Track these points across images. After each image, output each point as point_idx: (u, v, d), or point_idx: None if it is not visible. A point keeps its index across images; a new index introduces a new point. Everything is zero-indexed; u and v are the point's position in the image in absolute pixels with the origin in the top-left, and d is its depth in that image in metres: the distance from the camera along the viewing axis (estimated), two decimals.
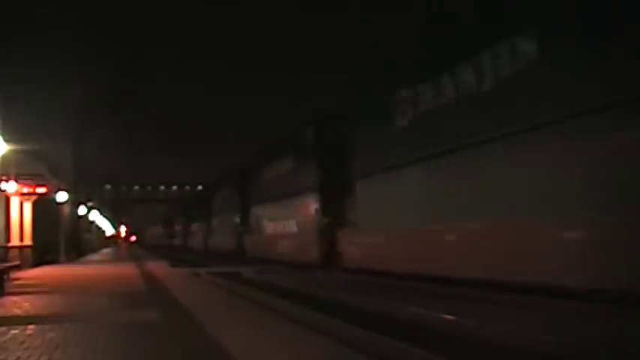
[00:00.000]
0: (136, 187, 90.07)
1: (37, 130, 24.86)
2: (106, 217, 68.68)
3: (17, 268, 18.36)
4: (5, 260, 18.68)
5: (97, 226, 55.76)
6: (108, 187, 78.38)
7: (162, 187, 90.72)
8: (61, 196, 28.67)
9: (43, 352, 6.02)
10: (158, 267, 23.83)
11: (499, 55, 9.03)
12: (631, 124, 6.74)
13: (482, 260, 9.16)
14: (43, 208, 25.46)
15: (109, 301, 10.80)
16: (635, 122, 6.69)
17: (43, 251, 25.73)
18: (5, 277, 14.16)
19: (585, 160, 7.37)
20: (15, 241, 22.01)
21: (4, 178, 20.51)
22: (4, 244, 20.78)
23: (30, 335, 7.14)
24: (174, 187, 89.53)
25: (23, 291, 13.14)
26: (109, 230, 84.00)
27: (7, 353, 6.04)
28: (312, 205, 17.43)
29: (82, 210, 38.17)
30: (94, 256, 39.04)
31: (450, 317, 8.72)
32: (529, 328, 7.42)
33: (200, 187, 72.92)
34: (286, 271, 20.11)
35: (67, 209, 31.51)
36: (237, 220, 28.75)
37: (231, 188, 31.37)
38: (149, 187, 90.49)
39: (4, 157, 18.98)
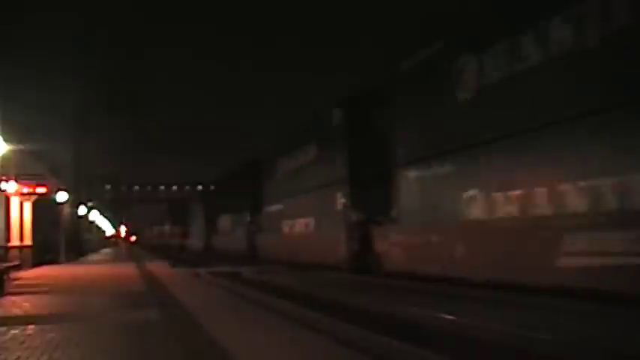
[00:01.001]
0: (136, 187, 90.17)
1: (37, 130, 24.89)
2: (106, 217, 68.68)
3: (17, 268, 18.36)
4: (5, 260, 18.67)
5: (97, 226, 55.75)
6: (108, 187, 78.41)
7: (162, 187, 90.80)
8: (61, 196, 28.65)
9: (43, 352, 6.01)
10: (158, 267, 23.82)
11: None
12: None
13: None
14: (43, 208, 25.46)
15: (109, 301, 10.80)
16: None
17: (43, 251, 25.73)
18: (5, 277, 14.16)
19: None
20: (15, 241, 22.00)
21: (4, 178, 20.50)
22: (4, 244, 20.77)
23: (30, 335, 7.14)
24: (175, 187, 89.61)
25: (23, 291, 13.13)
26: (109, 230, 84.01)
27: (7, 353, 6.04)
28: None
29: (82, 210, 38.15)
30: (94, 256, 39.05)
31: (449, 317, 8.70)
32: (529, 327, 7.41)
33: (200, 187, 72.96)
34: (285, 270, 20.09)
35: (67, 209, 31.50)
36: (342, 199, 16.04)
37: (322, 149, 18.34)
38: (149, 187, 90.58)
39: (4, 157, 18.98)
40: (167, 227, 75.65)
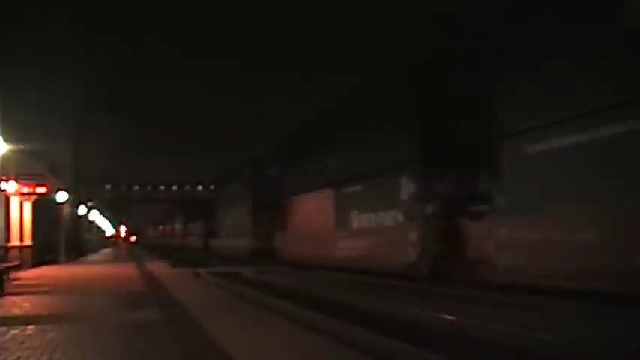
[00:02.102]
0: (136, 187, 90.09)
1: (37, 130, 24.88)
2: (106, 217, 68.65)
3: (17, 268, 18.36)
4: (5, 260, 18.67)
5: (97, 226, 55.74)
6: (108, 187, 78.40)
7: (162, 187, 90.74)
8: (61, 196, 28.65)
9: (43, 352, 6.01)
10: (158, 267, 23.81)
11: None
12: None
13: None
14: (43, 208, 25.46)
15: (109, 301, 10.80)
16: None
17: (43, 251, 25.73)
18: (5, 277, 14.15)
19: None
20: (15, 241, 22.00)
21: (4, 178, 20.50)
22: (4, 244, 20.77)
23: (30, 335, 7.14)
24: (175, 187, 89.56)
25: (23, 291, 13.12)
26: (109, 230, 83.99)
27: (7, 353, 6.04)
28: None
29: (82, 210, 38.16)
30: (94, 256, 39.04)
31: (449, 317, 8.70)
32: (529, 328, 7.41)
33: (200, 187, 72.85)
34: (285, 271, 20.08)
35: (67, 209, 31.50)
36: None
37: None
38: (149, 187, 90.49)
39: (4, 157, 18.97)
40: (178, 225, 66.93)
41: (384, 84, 15.38)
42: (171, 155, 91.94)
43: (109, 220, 76.75)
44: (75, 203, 35.43)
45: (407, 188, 13.78)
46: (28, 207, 23.71)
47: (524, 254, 9.60)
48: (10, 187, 21.31)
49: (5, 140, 18.18)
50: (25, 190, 23.39)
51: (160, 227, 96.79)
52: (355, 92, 17.39)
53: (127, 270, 21.34)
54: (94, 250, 48.46)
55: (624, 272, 7.86)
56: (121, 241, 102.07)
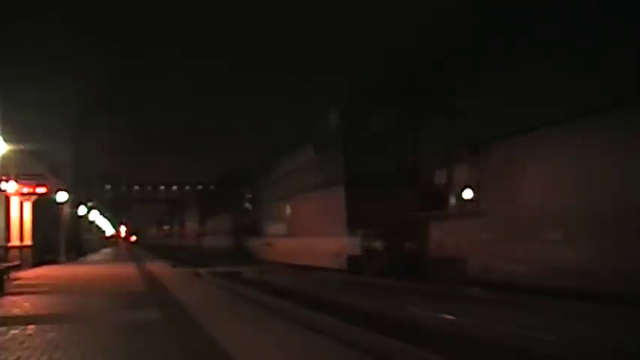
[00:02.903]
0: (136, 187, 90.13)
1: (37, 130, 24.87)
2: (106, 217, 68.65)
3: (17, 268, 18.36)
4: (5, 260, 18.66)
5: (97, 226, 55.73)
6: (108, 187, 78.41)
7: (162, 187, 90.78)
8: (61, 196, 28.65)
9: (43, 352, 6.00)
10: (158, 267, 23.81)
11: None
12: None
13: None
14: (43, 208, 25.46)
15: (109, 301, 10.79)
16: None
17: (43, 251, 25.73)
18: (5, 277, 14.15)
19: None
20: (15, 241, 21.99)
21: (4, 178, 20.49)
22: (4, 244, 20.76)
23: (30, 335, 7.13)
24: (175, 187, 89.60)
25: (23, 291, 13.12)
26: (109, 230, 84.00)
27: (7, 353, 6.03)
28: None
29: (82, 210, 38.16)
30: (94, 256, 39.04)
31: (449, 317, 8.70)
32: (530, 328, 7.41)
33: (200, 187, 72.85)
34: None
35: (67, 209, 31.50)
36: None
37: None
38: (149, 187, 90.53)
39: (4, 157, 18.97)
40: (191, 223, 55.55)
41: None
42: (171, 155, 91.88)
43: (109, 220, 76.74)
44: (75, 203, 35.44)
45: None
46: (28, 207, 23.71)
47: None
48: (10, 187, 21.29)
49: (5, 140, 18.18)
50: (25, 190, 23.38)
51: (166, 227, 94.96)
52: None
53: (127, 270, 21.33)
54: (94, 250, 48.45)
55: None
56: (120, 241, 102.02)
